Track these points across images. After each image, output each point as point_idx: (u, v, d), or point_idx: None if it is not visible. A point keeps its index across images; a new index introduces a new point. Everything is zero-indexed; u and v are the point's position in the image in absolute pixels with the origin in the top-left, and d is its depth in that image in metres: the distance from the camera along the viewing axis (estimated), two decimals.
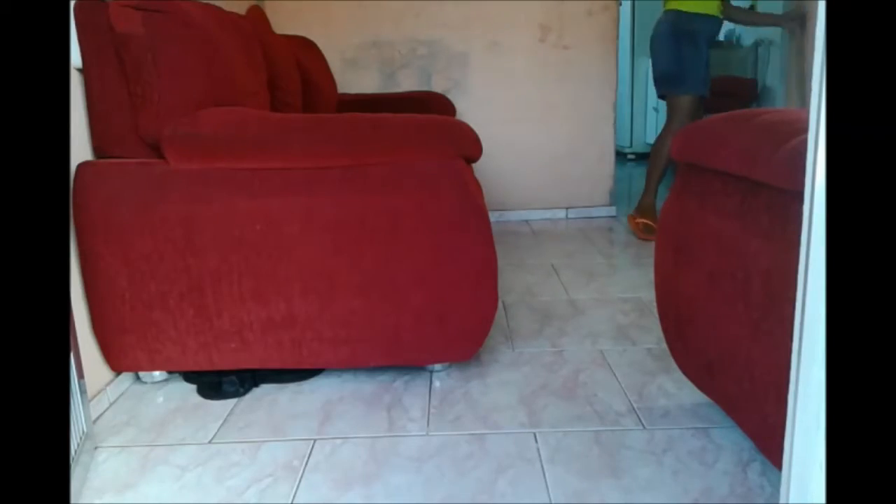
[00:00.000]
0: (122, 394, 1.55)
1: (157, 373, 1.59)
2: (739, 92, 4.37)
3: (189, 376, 1.60)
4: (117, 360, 1.52)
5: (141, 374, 1.60)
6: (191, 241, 1.42)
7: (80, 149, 1.47)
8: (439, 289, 1.46)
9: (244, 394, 1.53)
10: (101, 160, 1.47)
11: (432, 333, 1.51)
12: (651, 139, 5.91)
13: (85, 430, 1.26)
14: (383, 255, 1.44)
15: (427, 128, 1.46)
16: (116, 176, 1.42)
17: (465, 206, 1.43)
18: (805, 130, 0.65)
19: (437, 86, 3.23)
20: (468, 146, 1.47)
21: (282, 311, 1.46)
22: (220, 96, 1.52)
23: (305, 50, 2.75)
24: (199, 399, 1.51)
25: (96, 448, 1.32)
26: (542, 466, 1.20)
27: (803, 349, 0.67)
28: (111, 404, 1.50)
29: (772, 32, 4.25)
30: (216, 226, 1.41)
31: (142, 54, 1.40)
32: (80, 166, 1.42)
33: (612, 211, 3.46)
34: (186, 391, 1.55)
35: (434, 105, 2.92)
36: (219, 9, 1.75)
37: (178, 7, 1.45)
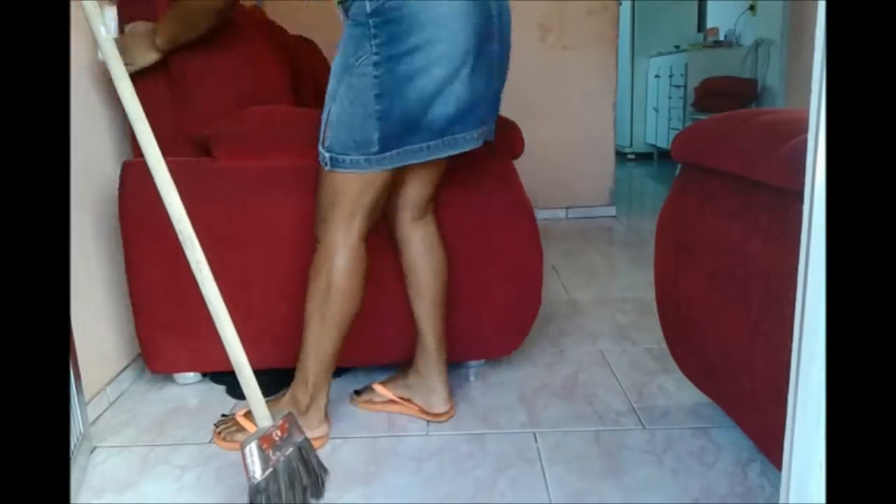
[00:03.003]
0: (123, 393, 1.55)
1: (190, 374, 1.58)
2: (739, 92, 4.37)
3: (217, 377, 1.59)
4: (158, 362, 1.51)
5: (175, 375, 1.58)
6: (238, 240, 1.42)
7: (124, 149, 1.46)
8: (487, 286, 1.47)
9: (285, 391, 1.52)
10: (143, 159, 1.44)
11: (478, 331, 1.51)
12: (651, 139, 5.92)
13: (82, 430, 1.26)
14: None
15: None
16: None
17: (512, 202, 1.44)
18: (805, 130, 0.65)
19: None
20: (513, 142, 1.48)
21: None
22: (261, 96, 1.52)
23: (308, 49, 2.75)
24: (199, 399, 1.51)
25: (95, 448, 1.32)
26: (542, 466, 1.20)
27: (803, 349, 0.67)
28: (111, 404, 1.50)
29: (772, 32, 4.25)
30: (263, 224, 1.41)
31: (188, 53, 1.39)
32: (126, 165, 1.41)
33: (611, 211, 3.46)
34: (186, 391, 1.55)
35: None
36: (244, 6, 1.75)
37: None
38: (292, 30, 3.01)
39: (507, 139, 1.47)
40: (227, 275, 1.42)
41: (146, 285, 1.45)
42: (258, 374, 1.52)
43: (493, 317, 1.50)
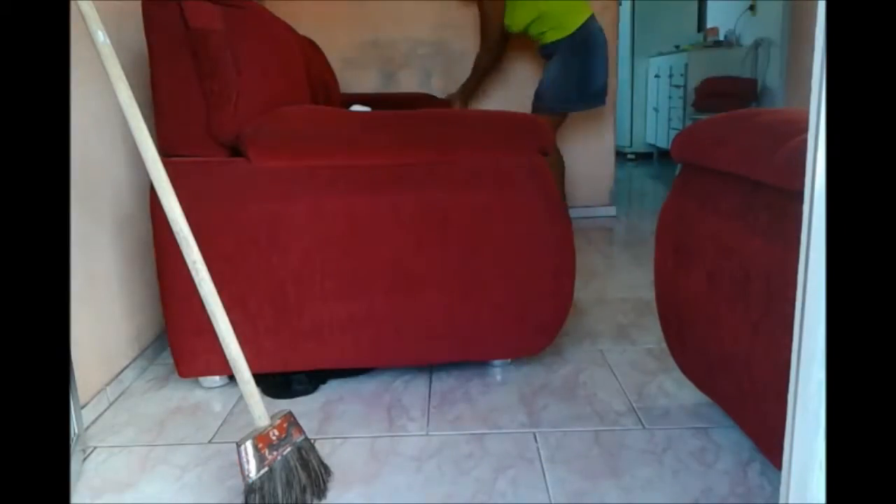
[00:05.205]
0: (123, 393, 1.55)
1: (217, 377, 1.55)
2: (739, 92, 4.37)
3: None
4: (188, 366, 1.49)
5: (201, 378, 1.56)
6: (274, 241, 1.40)
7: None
8: (520, 285, 1.46)
9: (313, 391, 1.52)
10: (181, 159, 1.40)
11: (509, 329, 1.51)
12: (651, 139, 5.93)
13: (76, 432, 1.26)
14: (466, 251, 1.43)
15: (511, 124, 1.45)
16: (196, 175, 1.37)
17: (547, 201, 1.43)
18: (805, 130, 0.65)
19: (437, 86, 3.23)
20: (545, 141, 1.47)
21: (363, 310, 1.45)
22: (293, 95, 1.50)
23: (313, 49, 2.75)
24: (199, 399, 1.51)
25: (95, 448, 1.32)
26: (542, 466, 1.20)
27: (803, 349, 0.67)
28: (111, 404, 1.50)
29: (772, 32, 4.25)
30: (300, 225, 1.39)
31: (221, 50, 1.36)
32: None
33: (611, 211, 3.46)
34: (186, 391, 1.55)
35: (433, 107, 2.92)
36: (261, 4, 1.74)
37: (254, 3, 1.43)
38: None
39: (536, 135, 1.45)
40: (266, 278, 1.42)
41: (180, 290, 1.42)
42: (278, 382, 1.53)
43: (523, 315, 1.49)
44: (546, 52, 2.86)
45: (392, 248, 1.42)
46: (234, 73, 1.38)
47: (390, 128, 1.42)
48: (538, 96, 2.87)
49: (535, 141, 1.45)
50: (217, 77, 1.37)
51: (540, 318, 1.51)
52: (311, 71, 2.25)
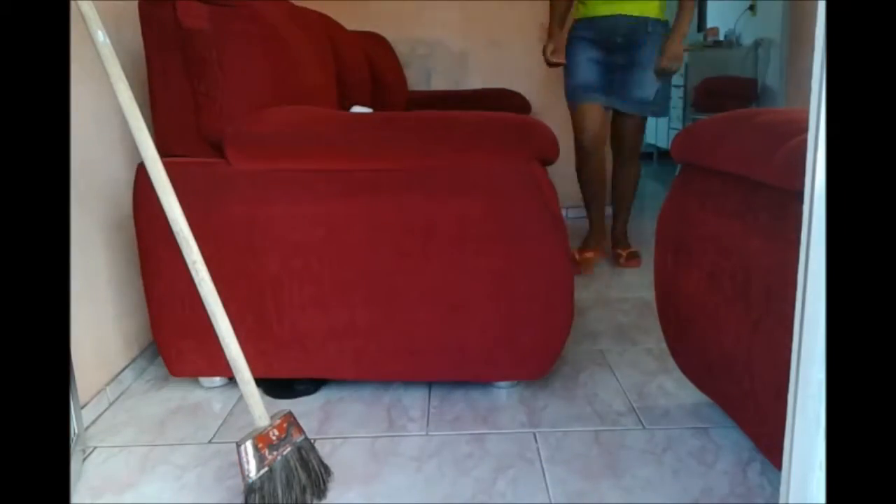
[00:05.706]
0: (123, 393, 1.55)
1: (217, 378, 1.55)
2: (739, 92, 4.37)
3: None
4: (177, 366, 1.49)
5: (201, 378, 1.56)
6: (252, 245, 1.38)
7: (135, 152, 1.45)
8: (510, 301, 1.38)
9: (314, 391, 1.52)
10: (161, 159, 1.41)
11: (501, 349, 1.42)
12: (651, 139, 5.92)
13: (76, 432, 1.26)
14: (451, 263, 1.36)
15: (501, 127, 1.36)
16: (177, 176, 1.31)
17: (540, 212, 1.34)
18: (805, 130, 0.65)
19: (437, 85, 3.23)
20: (545, 147, 1.37)
21: (344, 320, 1.40)
22: (286, 95, 1.47)
23: (376, 46, 2.72)
24: (199, 399, 1.51)
25: (95, 449, 1.32)
26: (542, 466, 1.20)
27: (803, 349, 0.67)
28: (111, 404, 1.50)
29: (772, 32, 4.25)
30: (278, 229, 1.36)
31: (206, 51, 1.34)
32: (141, 166, 1.36)
33: (611, 210, 3.45)
34: (186, 391, 1.55)
35: (508, 102, 2.89)
36: (288, 3, 1.72)
37: (247, 2, 1.41)
38: (356, 25, 3.01)
39: (530, 141, 1.36)
40: (246, 283, 1.40)
41: (163, 290, 1.42)
42: (280, 382, 1.53)
43: (521, 335, 1.40)
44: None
45: (370, 257, 1.37)
46: (220, 73, 1.36)
47: (367, 130, 1.37)
48: (654, 102, 2.69)
49: (527, 146, 1.35)
50: (203, 77, 1.36)
51: (536, 339, 1.41)
52: (355, 66, 2.21)
